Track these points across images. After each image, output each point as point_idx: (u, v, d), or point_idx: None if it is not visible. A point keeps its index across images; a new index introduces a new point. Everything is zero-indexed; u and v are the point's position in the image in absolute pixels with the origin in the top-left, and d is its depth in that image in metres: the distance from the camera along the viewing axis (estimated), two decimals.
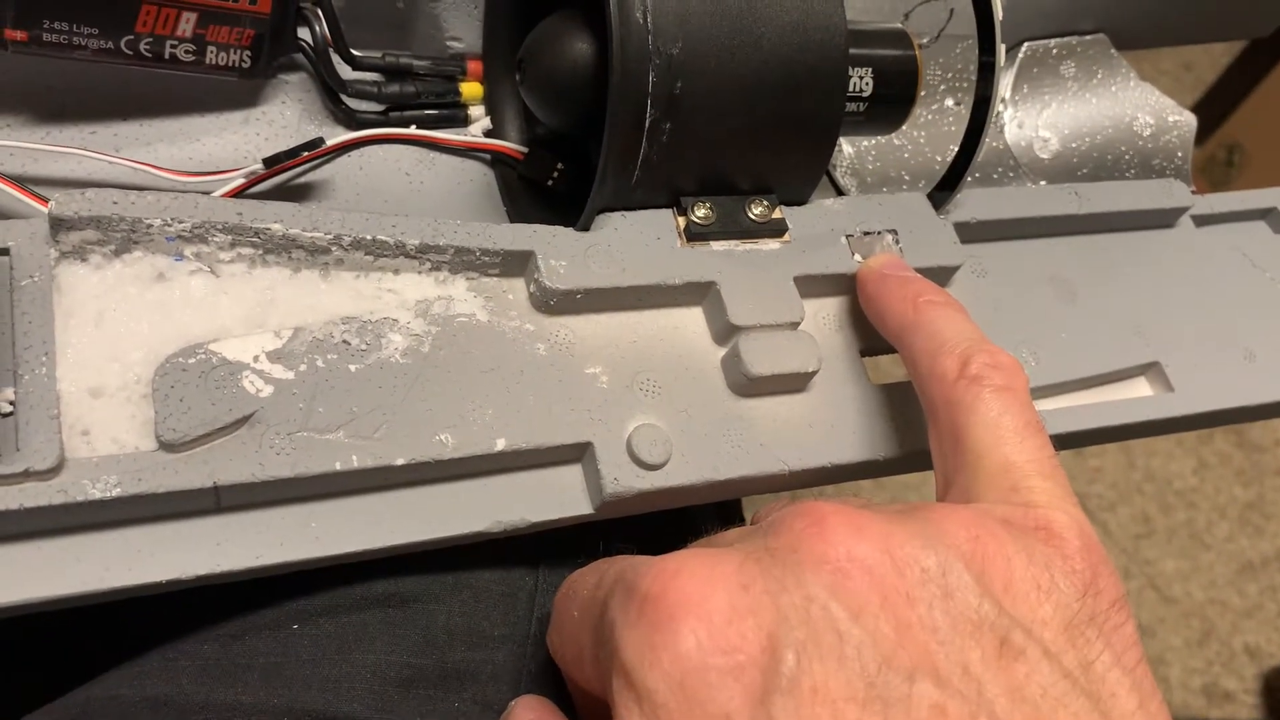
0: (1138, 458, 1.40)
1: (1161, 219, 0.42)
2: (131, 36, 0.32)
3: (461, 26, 0.39)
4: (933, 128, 0.44)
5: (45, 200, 0.30)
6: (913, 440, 0.33)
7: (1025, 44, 0.47)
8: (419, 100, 0.38)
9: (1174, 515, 1.37)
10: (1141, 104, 0.48)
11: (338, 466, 0.28)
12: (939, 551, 0.23)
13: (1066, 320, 0.38)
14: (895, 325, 0.32)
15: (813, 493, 0.33)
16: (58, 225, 0.28)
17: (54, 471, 0.26)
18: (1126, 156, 0.47)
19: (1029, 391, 0.28)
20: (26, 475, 0.25)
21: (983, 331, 0.30)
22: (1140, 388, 0.38)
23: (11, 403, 0.26)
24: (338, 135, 0.35)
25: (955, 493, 0.27)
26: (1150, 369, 0.38)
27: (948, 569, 0.23)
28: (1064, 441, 0.36)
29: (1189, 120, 0.47)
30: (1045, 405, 0.36)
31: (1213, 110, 1.50)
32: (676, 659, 0.21)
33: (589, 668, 0.25)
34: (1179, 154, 0.47)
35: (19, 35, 0.31)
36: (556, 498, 0.30)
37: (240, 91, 0.37)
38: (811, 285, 0.34)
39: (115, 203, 0.28)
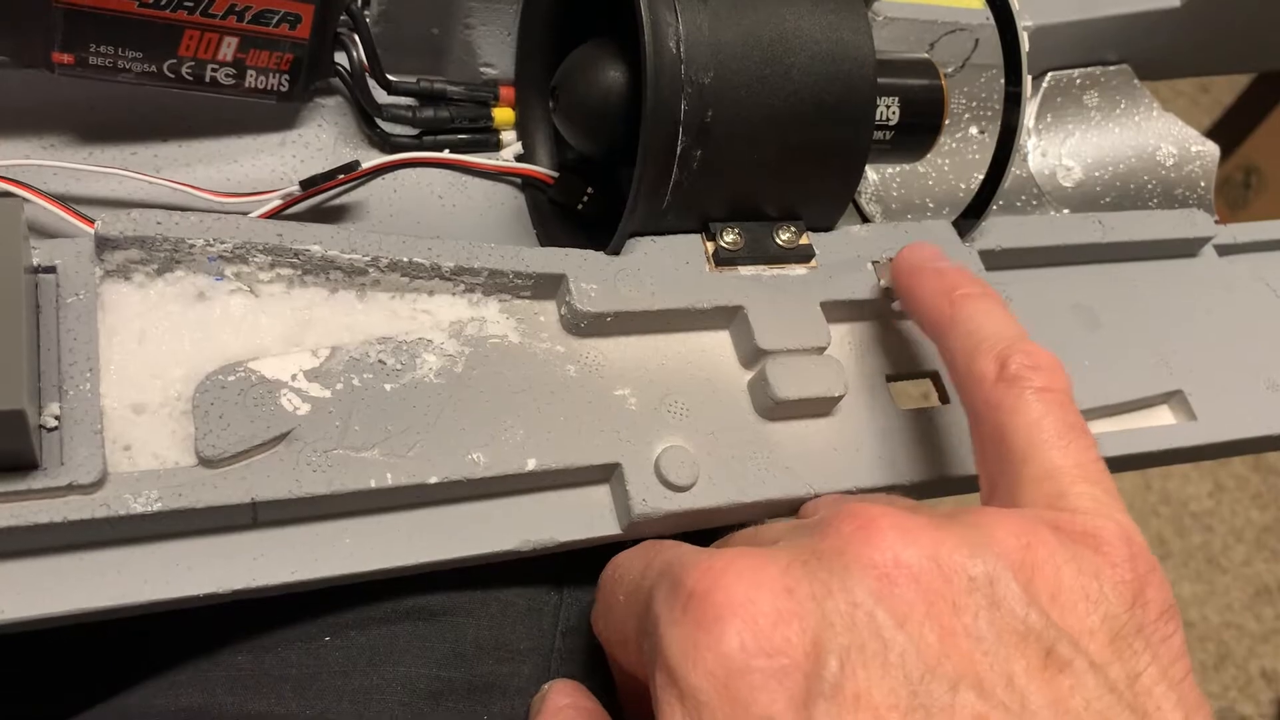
0: (1154, 480, 1.40)
1: (1184, 248, 0.42)
2: (174, 60, 0.33)
3: (495, 53, 0.40)
4: (957, 155, 0.45)
5: (90, 220, 0.31)
6: (938, 466, 0.34)
7: (1049, 74, 0.48)
8: (452, 125, 0.39)
9: (1190, 538, 1.36)
10: (1164, 134, 0.48)
11: (372, 484, 0.28)
12: (987, 559, 0.23)
13: (1090, 348, 0.38)
14: (931, 321, 0.31)
15: None
16: (103, 244, 0.29)
17: (97, 485, 0.26)
18: (1149, 186, 0.47)
19: (1070, 391, 0.28)
20: (70, 489, 0.26)
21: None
22: (1163, 416, 0.39)
23: (57, 418, 0.26)
24: (373, 158, 0.36)
25: (1000, 497, 0.27)
26: (1173, 397, 0.39)
27: (995, 577, 0.22)
28: None
29: (1212, 150, 0.48)
30: None
31: (1230, 132, 1.50)
32: (720, 659, 0.21)
33: (633, 654, 0.25)
34: (1202, 184, 0.47)
35: (66, 58, 0.32)
36: (585, 518, 0.31)
37: (278, 114, 0.37)
38: (838, 310, 0.34)
39: (159, 223, 0.29)
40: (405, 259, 0.31)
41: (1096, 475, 0.26)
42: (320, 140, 0.38)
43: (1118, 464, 0.37)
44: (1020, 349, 0.28)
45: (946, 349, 0.30)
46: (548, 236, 0.38)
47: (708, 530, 0.32)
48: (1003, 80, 0.36)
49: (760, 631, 0.21)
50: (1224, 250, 0.43)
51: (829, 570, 0.22)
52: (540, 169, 0.39)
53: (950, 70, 0.44)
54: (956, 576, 0.22)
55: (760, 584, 0.22)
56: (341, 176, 0.35)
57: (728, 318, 0.34)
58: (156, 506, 0.26)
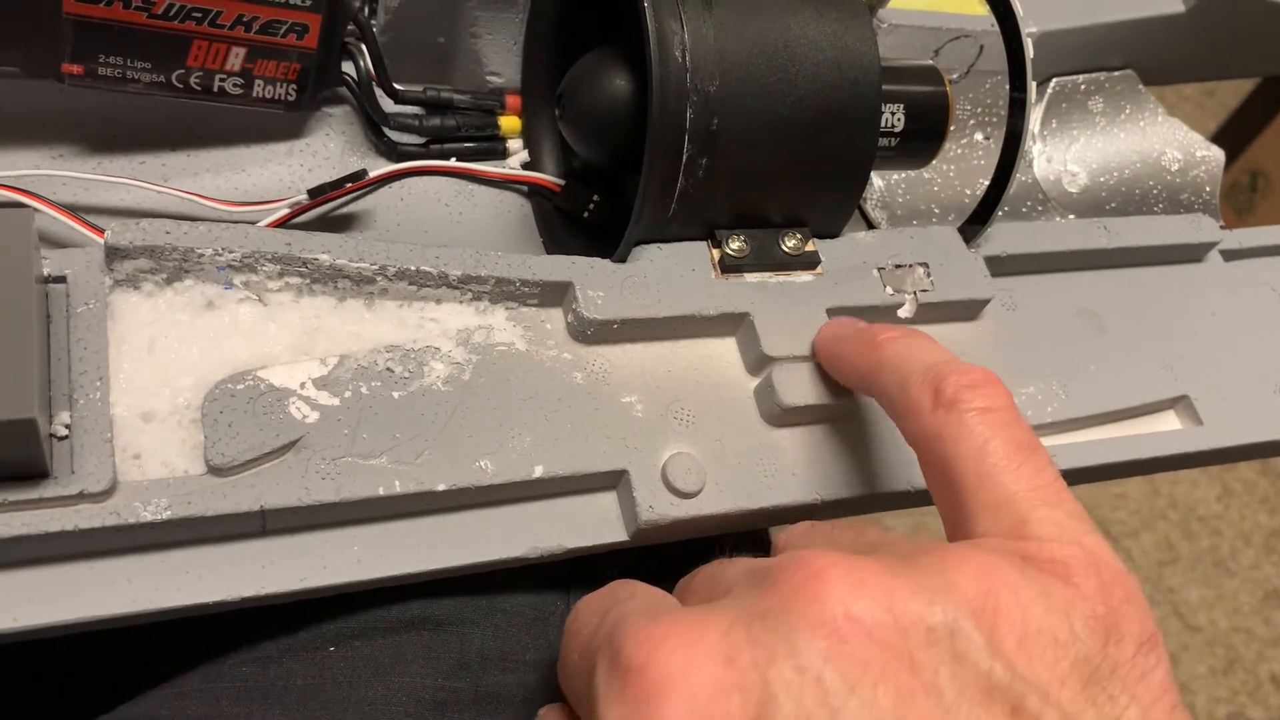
0: (1161, 484, 1.39)
1: (1190, 253, 0.42)
2: (183, 70, 0.33)
3: (501, 62, 0.40)
4: (962, 161, 0.45)
5: (99, 229, 0.31)
6: None
7: (1054, 79, 0.48)
8: (459, 133, 0.39)
9: (1198, 542, 1.36)
10: (1169, 139, 0.48)
11: (381, 491, 0.28)
12: (946, 608, 0.21)
13: (1095, 353, 0.38)
14: (861, 373, 0.30)
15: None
16: (113, 254, 0.29)
17: (107, 494, 0.26)
18: (1155, 191, 0.47)
19: (1015, 406, 0.26)
20: (81, 497, 0.26)
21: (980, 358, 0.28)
22: (1169, 421, 0.39)
23: (67, 426, 0.27)
24: (380, 167, 0.36)
25: (957, 530, 0.25)
26: (1179, 402, 0.39)
27: (956, 628, 0.21)
28: (1092, 474, 0.37)
29: (1217, 155, 0.48)
30: (1074, 438, 0.37)
31: (1236, 136, 1.50)
32: None
33: (586, 714, 0.24)
34: (1207, 189, 0.47)
35: (75, 69, 0.32)
36: (592, 524, 0.31)
37: (285, 124, 0.37)
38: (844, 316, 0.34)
39: (168, 233, 0.29)
40: (413, 267, 0.31)
41: (1055, 497, 0.24)
42: (328, 149, 0.38)
43: (1123, 469, 0.37)
44: (952, 370, 0.26)
45: (880, 392, 0.29)
46: (554, 244, 0.39)
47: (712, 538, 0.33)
48: (1008, 86, 0.36)
49: (697, 708, 0.20)
50: (1230, 255, 0.43)
51: (774, 632, 0.21)
52: (546, 177, 0.39)
53: (955, 76, 0.45)
54: (914, 629, 0.21)
55: (698, 656, 0.21)
56: (349, 185, 0.35)
57: (734, 324, 0.34)
58: (166, 515, 0.26)
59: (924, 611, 0.21)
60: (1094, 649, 0.21)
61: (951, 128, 0.37)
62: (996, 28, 0.36)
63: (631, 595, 0.24)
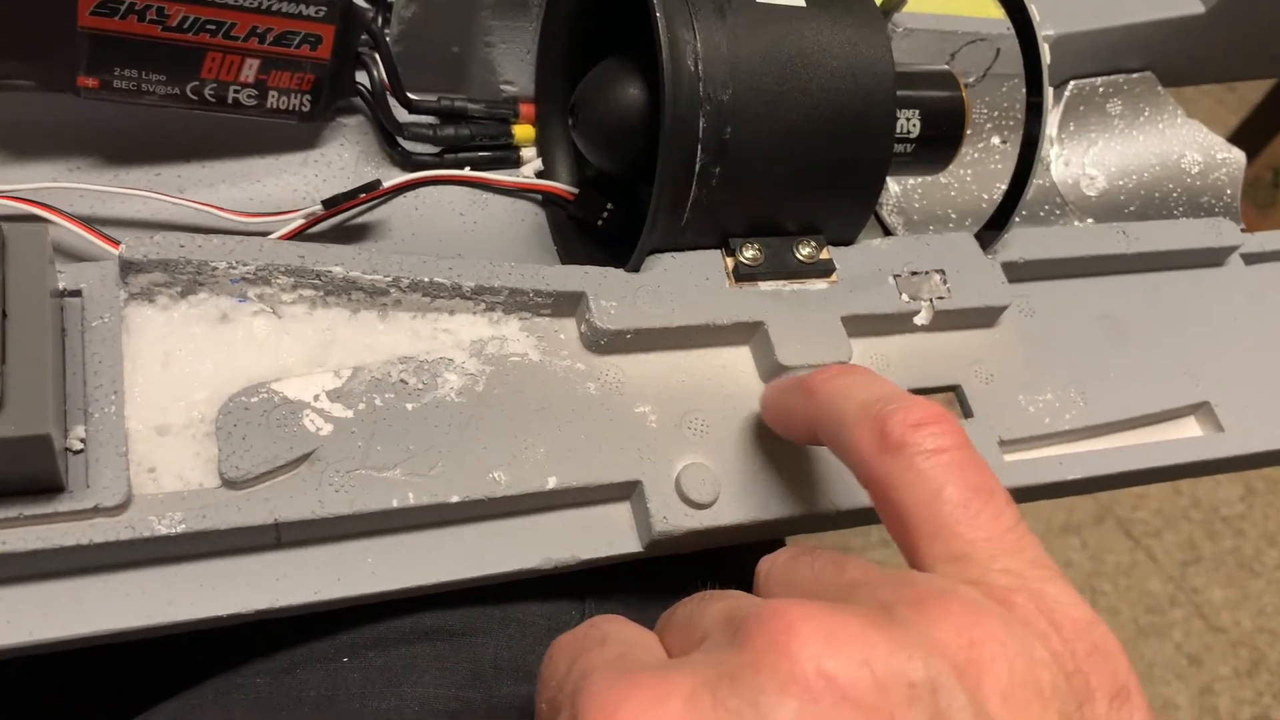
0: (1183, 484, 1.38)
1: (1211, 257, 0.42)
2: (197, 82, 0.33)
3: (514, 70, 0.40)
4: (979, 166, 0.44)
5: (115, 241, 0.31)
6: None
7: (1071, 82, 0.47)
8: (473, 142, 0.39)
9: (1221, 542, 1.35)
10: (1189, 141, 0.47)
11: (395, 504, 0.28)
12: (928, 663, 0.20)
13: (1115, 360, 0.38)
14: (802, 420, 0.28)
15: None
16: (127, 268, 0.29)
17: (122, 508, 0.26)
18: (1175, 194, 0.47)
19: (968, 443, 0.24)
20: (96, 511, 0.26)
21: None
22: (1190, 428, 0.38)
23: (82, 440, 0.27)
24: (394, 177, 0.36)
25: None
26: (1200, 409, 0.38)
27: (938, 684, 0.19)
28: (1111, 482, 0.36)
29: (1238, 157, 0.47)
30: (1093, 445, 0.36)
31: (1257, 132, 1.48)
32: None
33: None
34: (1228, 191, 0.47)
35: (91, 82, 0.32)
36: (606, 535, 0.31)
37: (300, 134, 0.38)
38: (859, 325, 0.34)
39: (182, 246, 0.29)
40: (426, 279, 0.31)
41: (1015, 544, 0.23)
42: (342, 159, 0.38)
43: (1143, 477, 0.37)
44: (896, 407, 0.24)
45: (826, 439, 0.27)
46: (568, 252, 0.38)
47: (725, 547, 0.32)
48: (1024, 89, 0.36)
49: None
50: (1251, 259, 0.43)
51: (740, 695, 0.19)
52: (560, 185, 0.39)
53: (971, 80, 0.44)
54: (893, 686, 0.19)
55: None
56: (363, 195, 0.35)
57: (748, 333, 0.33)
58: (180, 528, 0.27)
59: (904, 667, 0.19)
60: (1072, 707, 0.21)
61: (968, 132, 0.37)
62: (1013, 31, 0.36)
63: (603, 641, 0.23)
